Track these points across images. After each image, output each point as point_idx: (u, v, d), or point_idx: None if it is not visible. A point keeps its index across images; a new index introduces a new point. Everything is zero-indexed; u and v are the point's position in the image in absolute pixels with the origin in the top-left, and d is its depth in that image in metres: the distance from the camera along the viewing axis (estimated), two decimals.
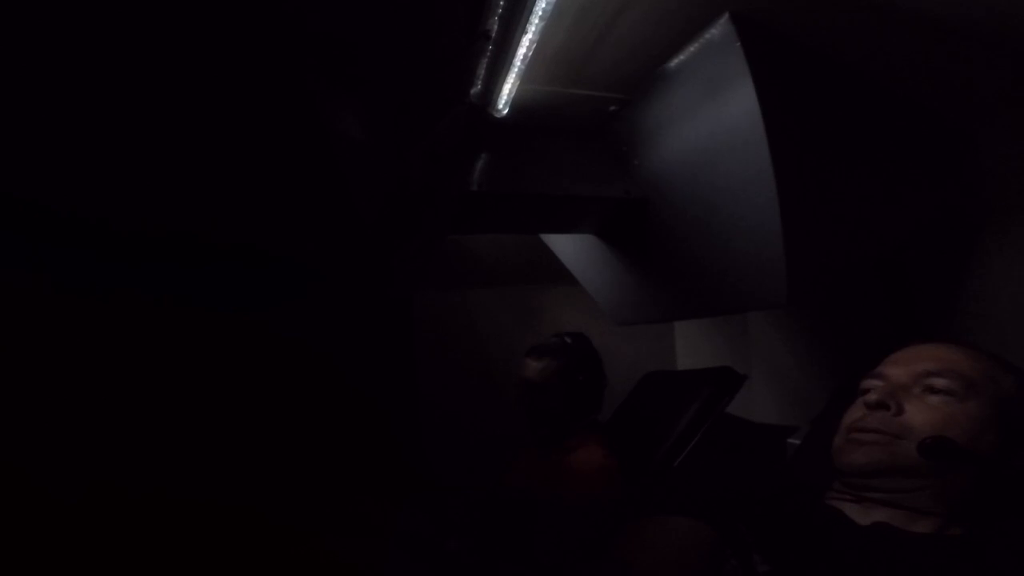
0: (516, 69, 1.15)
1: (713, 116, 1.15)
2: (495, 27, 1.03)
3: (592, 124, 1.47)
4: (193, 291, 1.22)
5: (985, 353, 0.84)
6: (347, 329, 1.63)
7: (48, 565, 0.89)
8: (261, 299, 1.38)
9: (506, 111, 1.29)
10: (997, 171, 1.19)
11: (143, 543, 1.00)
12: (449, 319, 2.11)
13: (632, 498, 1.39)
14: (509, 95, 1.24)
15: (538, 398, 1.55)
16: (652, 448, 1.55)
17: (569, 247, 1.93)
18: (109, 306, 1.05)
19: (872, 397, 0.82)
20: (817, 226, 1.12)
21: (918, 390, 0.81)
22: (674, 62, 1.19)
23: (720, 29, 1.05)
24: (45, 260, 0.97)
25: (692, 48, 1.13)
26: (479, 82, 1.20)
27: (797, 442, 1.37)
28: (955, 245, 1.30)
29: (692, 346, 2.33)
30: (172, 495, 1.04)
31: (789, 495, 0.87)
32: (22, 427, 0.95)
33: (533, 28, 1.03)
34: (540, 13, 1.00)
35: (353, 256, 1.53)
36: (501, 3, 0.96)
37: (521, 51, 1.10)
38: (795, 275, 1.12)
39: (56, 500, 0.92)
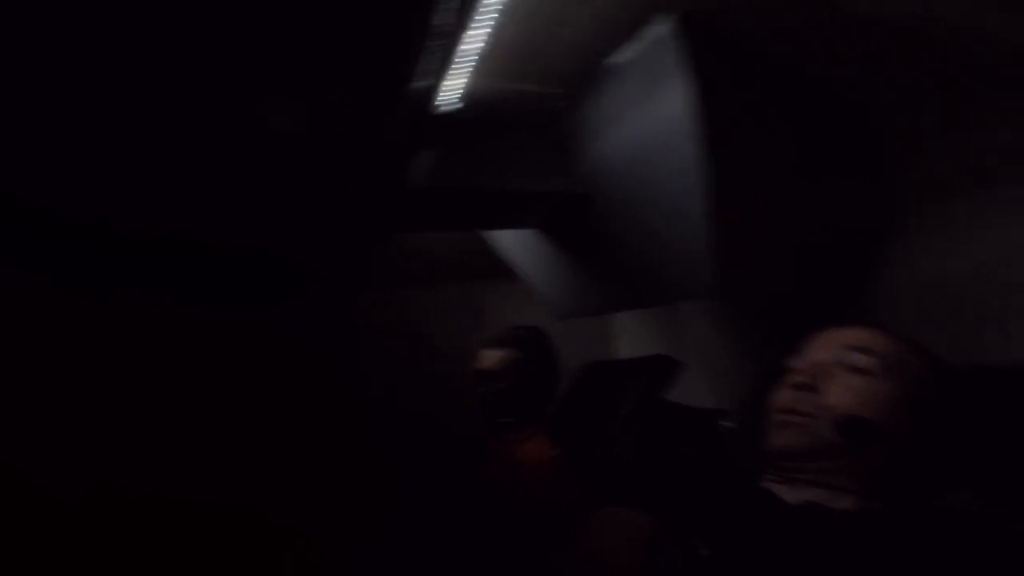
0: (464, 64, 1.16)
1: (651, 112, 1.18)
2: (445, 22, 1.03)
3: (540, 120, 1.49)
4: (185, 293, 1.19)
5: (900, 336, 0.88)
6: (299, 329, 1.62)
7: (48, 564, 0.85)
8: (239, 302, 1.36)
9: (453, 107, 1.30)
10: (917, 165, 1.23)
11: (143, 543, 0.97)
12: (390, 318, 2.09)
13: (578, 489, 1.42)
14: (456, 90, 1.25)
15: (494, 387, 1.58)
16: (593, 438, 1.59)
17: (512, 241, 1.95)
18: (109, 306, 1.01)
19: (794, 378, 0.85)
20: (745, 220, 1.18)
21: (837, 369, 0.83)
22: (617, 58, 1.23)
23: (661, 26, 1.09)
24: (45, 260, 0.92)
25: (634, 45, 1.18)
26: (426, 77, 1.20)
27: (730, 424, 1.43)
28: (878, 237, 1.34)
29: (631, 337, 2.40)
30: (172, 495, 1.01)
31: (726, 480, 0.90)
32: (22, 427, 0.90)
33: (483, 23, 1.05)
34: (491, 8, 1.02)
35: (299, 255, 1.51)
36: None
37: (470, 46, 1.11)
38: (722, 268, 1.17)
39: (56, 500, 0.88)
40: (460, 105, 1.31)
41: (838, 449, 0.79)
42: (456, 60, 1.14)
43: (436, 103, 1.28)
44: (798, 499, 0.79)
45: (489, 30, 1.07)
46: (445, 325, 2.16)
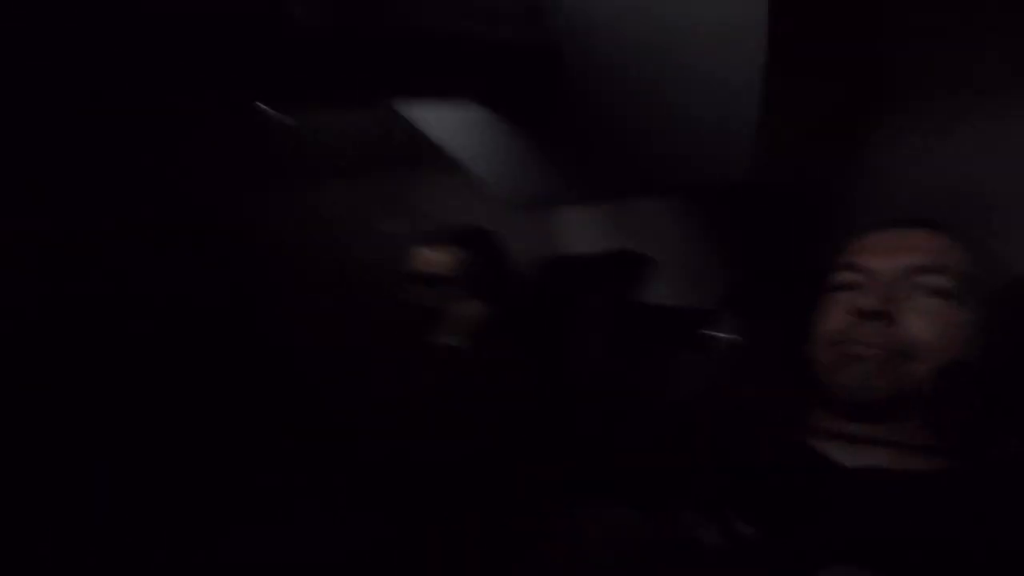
0: None
1: None
2: None
3: None
4: None
5: (969, 242, 0.75)
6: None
7: None
8: None
9: None
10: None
11: None
12: (297, 219, 1.69)
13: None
14: None
15: (438, 292, 1.40)
16: (559, 355, 1.40)
17: (443, 116, 1.54)
18: None
19: (865, 303, 0.68)
20: (800, 90, 0.90)
21: (909, 290, 0.69)
22: None
23: None
24: None
25: None
26: None
27: (723, 335, 1.23)
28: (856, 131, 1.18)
29: (578, 232, 2.09)
30: None
31: (754, 426, 0.77)
32: None
33: None
34: None
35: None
36: None
37: None
38: (765, 147, 0.91)
39: None
40: None
41: (928, 397, 0.66)
42: None
43: None
44: (857, 460, 0.66)
45: None
46: (364, 222, 1.83)
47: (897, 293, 0.69)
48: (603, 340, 1.41)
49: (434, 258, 1.41)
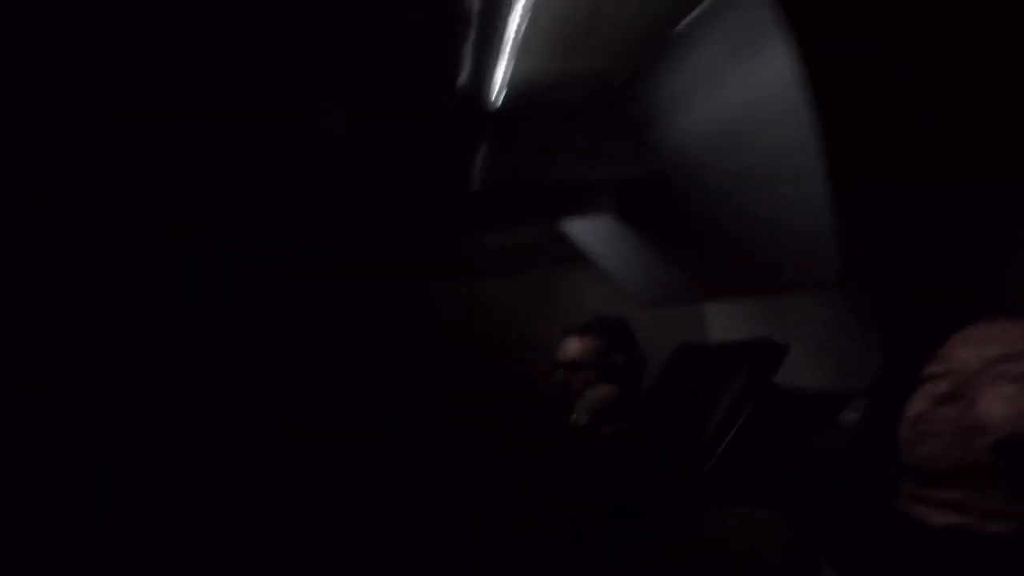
0: (507, 49, 1.01)
1: (740, 80, 1.00)
2: (474, 6, 0.89)
3: (598, 101, 1.32)
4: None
5: None
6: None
7: None
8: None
9: (501, 97, 1.15)
10: None
11: None
12: (464, 309, 2.00)
13: (687, 483, 1.33)
14: (503, 79, 1.10)
15: (577, 377, 1.51)
16: (697, 429, 1.47)
17: (586, 228, 1.80)
18: None
19: (941, 389, 0.74)
20: (872, 194, 0.98)
21: (990, 377, 0.73)
22: (688, 21, 1.03)
23: None
24: None
25: (709, 3, 0.97)
26: (466, 69, 1.06)
27: (855, 415, 1.26)
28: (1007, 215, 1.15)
29: (726, 322, 2.18)
30: None
31: (852, 492, 0.84)
32: None
33: (521, 2, 0.89)
34: None
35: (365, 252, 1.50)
36: None
37: (511, 28, 0.95)
38: (848, 250, 1.00)
39: None
40: (509, 94, 1.16)
41: (994, 469, 0.70)
42: (496, 46, 1.00)
43: (483, 96, 1.15)
44: (941, 522, 0.73)
45: (529, 10, 0.91)
46: (521, 314, 2.06)
47: (977, 380, 0.74)
48: (739, 418, 1.47)
49: (571, 345, 1.54)
